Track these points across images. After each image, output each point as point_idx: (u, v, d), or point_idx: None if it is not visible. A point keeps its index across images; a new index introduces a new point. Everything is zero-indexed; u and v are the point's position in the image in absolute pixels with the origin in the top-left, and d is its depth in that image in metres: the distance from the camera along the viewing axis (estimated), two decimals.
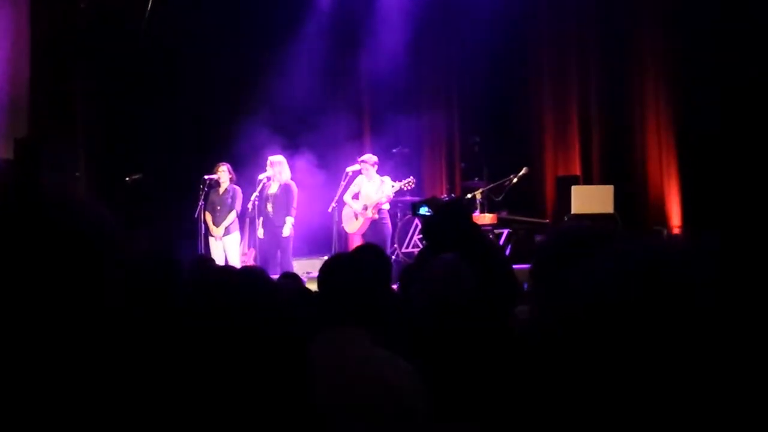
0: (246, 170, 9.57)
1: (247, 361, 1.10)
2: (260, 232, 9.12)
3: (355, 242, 8.98)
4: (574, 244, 2.30)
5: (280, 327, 1.16)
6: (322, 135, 10.40)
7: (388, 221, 9.12)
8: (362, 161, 9.21)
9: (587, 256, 0.70)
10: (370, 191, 9.11)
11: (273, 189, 9.12)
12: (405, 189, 9.12)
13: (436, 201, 8.70)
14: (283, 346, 1.15)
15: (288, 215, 8.96)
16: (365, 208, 9.10)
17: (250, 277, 1.24)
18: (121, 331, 1.04)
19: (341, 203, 9.26)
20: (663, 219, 9.87)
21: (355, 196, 9.21)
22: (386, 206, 9.13)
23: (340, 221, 9.27)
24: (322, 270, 2.51)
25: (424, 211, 8.67)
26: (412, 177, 9.16)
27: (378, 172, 9.21)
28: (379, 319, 2.34)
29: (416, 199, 9.68)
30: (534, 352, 0.67)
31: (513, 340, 3.39)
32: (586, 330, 0.61)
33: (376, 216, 9.03)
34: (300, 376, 1.17)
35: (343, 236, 9.43)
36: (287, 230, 8.97)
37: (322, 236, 9.66)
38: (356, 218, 9.19)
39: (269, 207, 9.06)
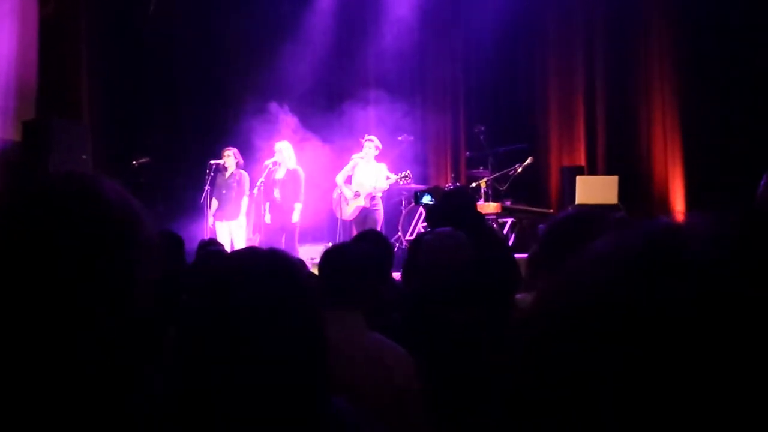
0: (251, 155, 9.60)
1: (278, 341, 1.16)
2: (267, 218, 9.12)
3: (352, 228, 8.98)
4: (576, 228, 2.32)
5: (307, 307, 1.19)
6: (326, 123, 10.40)
7: (380, 208, 9.01)
8: (369, 140, 9.07)
9: (587, 239, 0.60)
10: (363, 179, 8.98)
11: (280, 174, 9.12)
12: (401, 183, 8.97)
13: (438, 190, 8.71)
14: (311, 326, 1.19)
15: (296, 201, 8.95)
16: (357, 195, 9.00)
17: (276, 256, 1.24)
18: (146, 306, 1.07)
19: None
20: (668, 210, 9.87)
21: (348, 180, 9.12)
22: (379, 193, 9.03)
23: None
24: (322, 256, 2.58)
25: (427, 200, 8.66)
26: (408, 171, 9.00)
27: (382, 159, 9.18)
28: (375, 304, 2.38)
29: (420, 187, 9.69)
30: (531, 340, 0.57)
31: (511, 328, 3.40)
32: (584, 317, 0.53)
33: (368, 204, 8.96)
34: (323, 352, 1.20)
35: (347, 223, 9.44)
36: (296, 216, 8.96)
37: (327, 223, 9.67)
38: (347, 204, 9.09)
39: (276, 193, 9.07)
